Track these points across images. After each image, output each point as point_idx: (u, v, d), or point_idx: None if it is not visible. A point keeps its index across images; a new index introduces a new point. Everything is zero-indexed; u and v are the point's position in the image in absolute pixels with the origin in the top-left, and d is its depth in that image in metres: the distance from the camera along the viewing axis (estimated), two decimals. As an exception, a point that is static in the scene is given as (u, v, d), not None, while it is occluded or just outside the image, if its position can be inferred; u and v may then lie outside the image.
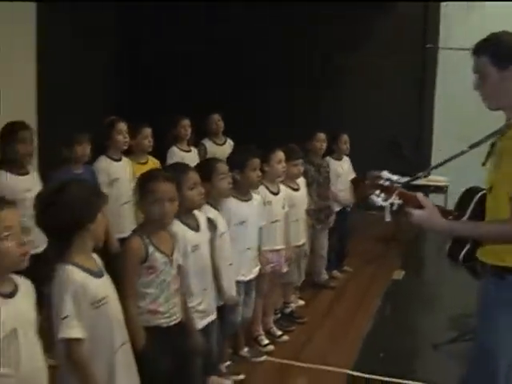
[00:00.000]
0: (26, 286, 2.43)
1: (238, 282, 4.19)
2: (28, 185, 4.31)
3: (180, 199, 3.30)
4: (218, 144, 6.76)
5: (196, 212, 3.62)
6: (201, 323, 3.57)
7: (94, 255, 2.80)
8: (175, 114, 6.37)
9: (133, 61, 9.68)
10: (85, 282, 2.60)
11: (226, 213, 4.07)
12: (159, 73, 9.68)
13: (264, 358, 4.67)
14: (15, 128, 4.37)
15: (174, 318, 3.24)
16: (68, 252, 2.64)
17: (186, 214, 3.51)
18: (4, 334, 2.24)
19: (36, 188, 4.27)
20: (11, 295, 2.33)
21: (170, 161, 5.97)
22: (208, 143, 6.74)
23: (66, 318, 2.53)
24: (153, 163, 5.47)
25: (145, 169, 5.16)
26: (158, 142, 5.60)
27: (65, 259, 2.62)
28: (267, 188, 4.70)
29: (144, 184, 3.22)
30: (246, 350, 4.65)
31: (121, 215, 4.93)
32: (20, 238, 2.30)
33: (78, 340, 2.56)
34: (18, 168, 4.37)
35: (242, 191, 4.30)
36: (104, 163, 5.09)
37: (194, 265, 3.50)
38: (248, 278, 4.36)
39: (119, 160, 5.18)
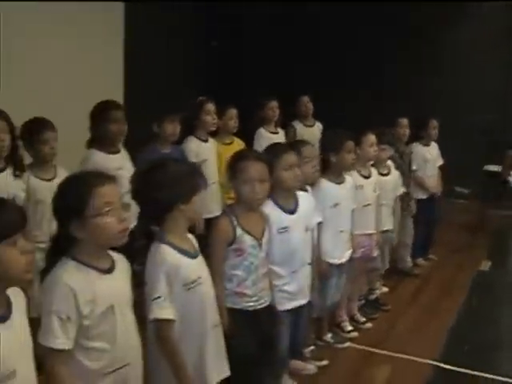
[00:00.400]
0: (122, 263, 2.45)
1: (330, 265, 4.20)
2: (119, 163, 4.28)
3: (275, 180, 3.27)
4: (307, 126, 6.76)
5: (300, 193, 3.61)
6: (288, 304, 3.55)
7: (190, 235, 2.79)
8: (263, 95, 6.33)
9: (222, 44, 9.69)
10: (178, 262, 2.59)
11: (319, 195, 4.06)
12: (247, 55, 9.64)
13: (347, 344, 4.61)
14: (107, 107, 4.37)
15: (262, 301, 3.21)
16: (162, 231, 2.64)
17: (281, 195, 3.49)
18: (101, 309, 2.26)
19: (127, 166, 4.35)
20: (109, 271, 2.35)
21: (257, 142, 5.97)
22: (298, 125, 6.74)
23: (157, 298, 2.53)
24: (238, 144, 5.47)
25: (230, 149, 5.20)
26: (244, 124, 5.59)
27: (159, 238, 2.62)
28: (358, 171, 4.66)
29: (235, 163, 3.19)
30: (329, 335, 4.61)
31: (207, 196, 4.92)
32: (120, 214, 2.29)
33: (168, 321, 2.56)
34: (109, 147, 4.36)
35: (336, 173, 4.28)
36: (194, 144, 5.09)
37: (280, 247, 3.45)
38: (340, 261, 4.34)
39: (207, 141, 5.19)
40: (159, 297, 2.53)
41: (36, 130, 3.93)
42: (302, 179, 3.72)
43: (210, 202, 4.90)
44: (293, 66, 9.27)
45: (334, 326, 4.74)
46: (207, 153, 5.10)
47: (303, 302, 3.64)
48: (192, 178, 2.70)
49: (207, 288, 2.73)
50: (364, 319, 4.97)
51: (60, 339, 2.18)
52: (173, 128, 4.84)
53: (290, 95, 6.42)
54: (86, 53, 6.93)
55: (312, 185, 4.06)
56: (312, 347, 4.35)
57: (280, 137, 6.21)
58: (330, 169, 4.27)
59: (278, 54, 9.30)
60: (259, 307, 3.20)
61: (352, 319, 4.90)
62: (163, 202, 2.61)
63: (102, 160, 4.24)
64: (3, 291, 2.00)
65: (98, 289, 2.27)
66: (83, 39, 6.90)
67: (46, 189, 3.86)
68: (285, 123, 6.51)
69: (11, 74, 5.83)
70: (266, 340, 3.22)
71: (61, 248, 2.30)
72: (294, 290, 3.56)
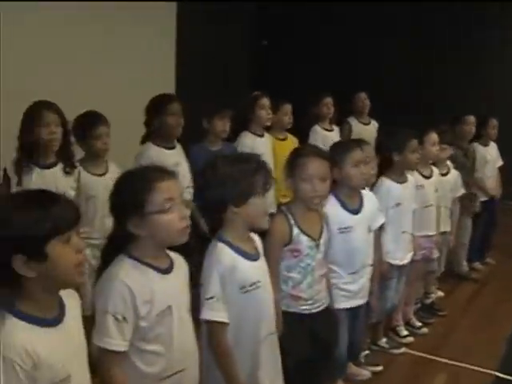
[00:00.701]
0: (179, 262, 2.34)
1: (391, 266, 4.10)
2: (176, 159, 4.17)
3: (342, 177, 3.18)
4: (363, 123, 6.60)
5: (364, 192, 3.50)
6: (347, 303, 3.45)
7: (255, 236, 2.67)
8: (318, 91, 6.21)
9: (272, 44, 9.57)
10: (234, 263, 2.47)
11: (382, 194, 3.96)
12: (297, 55, 9.48)
13: (403, 349, 4.46)
14: (164, 100, 4.28)
15: (318, 304, 3.09)
16: (221, 230, 2.53)
17: (345, 193, 3.38)
18: (159, 310, 2.17)
19: (183, 162, 4.28)
20: (167, 271, 2.25)
21: (312, 140, 5.88)
22: (353, 122, 6.58)
23: (210, 298, 2.42)
24: (292, 140, 5.37)
25: (284, 145, 5.17)
26: (295, 122, 5.46)
27: (218, 236, 2.52)
28: (419, 171, 4.50)
29: (294, 160, 3.05)
30: (384, 340, 4.46)
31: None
32: (182, 211, 2.18)
33: (220, 324, 2.45)
34: (166, 141, 4.26)
35: (398, 173, 4.15)
36: (249, 139, 4.98)
37: (342, 247, 3.35)
38: (402, 263, 4.21)
39: (262, 136, 5.09)
40: (212, 297, 2.42)
41: (89, 125, 3.85)
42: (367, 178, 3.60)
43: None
44: (348, 64, 9.05)
45: (389, 331, 4.60)
46: (263, 148, 4.94)
47: (362, 302, 3.53)
48: (247, 178, 2.48)
49: (266, 293, 2.59)
50: (420, 324, 4.80)
51: (115, 340, 2.09)
52: (223, 124, 4.69)
53: (343, 94, 6.28)
54: (138, 51, 6.94)
55: (370, 186, 3.93)
56: (367, 352, 4.21)
57: (335, 134, 6.10)
58: (393, 168, 4.13)
59: (329, 53, 9.12)
60: (315, 311, 3.08)
61: (407, 324, 4.75)
62: (213, 203, 2.50)
63: (158, 155, 4.14)
64: (55, 293, 1.86)
65: (156, 289, 2.17)
66: (136, 38, 6.91)
67: (98, 184, 3.84)
68: (340, 120, 6.36)
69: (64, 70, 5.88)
70: (323, 345, 3.10)
71: (118, 246, 2.21)
72: (353, 289, 3.46)
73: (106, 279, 2.15)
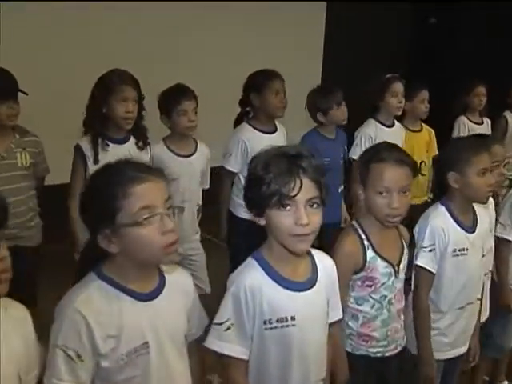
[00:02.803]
0: (179, 282, 1.87)
1: None
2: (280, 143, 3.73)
3: (463, 185, 2.56)
4: None
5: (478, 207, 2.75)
6: (449, 353, 2.74)
7: (325, 259, 2.08)
8: (469, 79, 5.39)
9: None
10: (269, 291, 1.89)
11: None
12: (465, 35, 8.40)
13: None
14: (266, 75, 3.77)
15: (393, 346, 2.45)
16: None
17: (460, 207, 2.67)
18: (129, 348, 1.69)
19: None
20: (151, 296, 1.76)
21: (456, 132, 5.20)
22: (510, 116, 5.60)
23: (219, 324, 1.89)
24: (427, 132, 4.66)
25: (417, 138, 4.59)
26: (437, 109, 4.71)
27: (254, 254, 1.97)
28: None
29: (367, 164, 2.37)
30: (506, 382, 3.68)
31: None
32: (165, 224, 1.67)
33: (234, 359, 1.90)
34: (266, 125, 3.82)
35: None
36: (371, 128, 4.36)
37: (453, 273, 2.64)
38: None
39: (391, 126, 4.42)
40: (221, 323, 1.88)
41: (173, 99, 3.45)
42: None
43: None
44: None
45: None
46: (390, 139, 4.26)
47: (463, 350, 2.80)
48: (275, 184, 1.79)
49: (304, 334, 1.94)
50: None
51: (64, 382, 1.62)
52: (340, 111, 4.06)
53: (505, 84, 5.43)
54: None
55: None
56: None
57: (484, 128, 5.27)
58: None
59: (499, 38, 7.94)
60: (388, 354, 2.44)
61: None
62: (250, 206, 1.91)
63: (254, 138, 3.72)
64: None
65: (127, 320, 1.69)
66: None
67: (181, 165, 3.47)
68: (492, 113, 5.46)
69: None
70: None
71: (89, 262, 1.74)
72: (459, 332, 2.74)
73: (61, 304, 1.68)
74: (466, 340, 2.79)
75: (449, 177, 2.60)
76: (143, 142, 3.35)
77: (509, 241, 3.22)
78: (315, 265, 1.99)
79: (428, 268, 2.59)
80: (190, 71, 5.22)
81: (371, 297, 2.37)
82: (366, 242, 2.35)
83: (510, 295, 3.28)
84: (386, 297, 2.38)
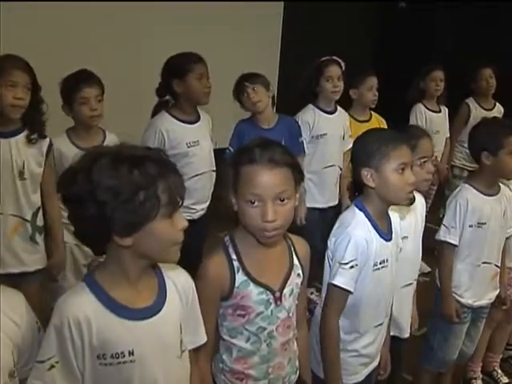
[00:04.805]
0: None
1: (462, 306, 3.02)
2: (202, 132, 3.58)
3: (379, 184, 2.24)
4: (484, 108, 5.15)
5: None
6: (364, 372, 2.39)
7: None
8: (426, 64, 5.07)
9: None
10: (101, 322, 1.58)
11: (460, 208, 2.93)
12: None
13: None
14: (190, 59, 3.44)
15: None
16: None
17: (379, 209, 2.32)
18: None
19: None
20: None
21: (413, 121, 4.91)
22: (473, 104, 5.21)
23: (42, 362, 1.55)
24: (377, 121, 4.35)
25: (366, 128, 4.10)
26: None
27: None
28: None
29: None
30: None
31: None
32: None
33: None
34: (188, 114, 3.51)
35: (489, 182, 2.98)
36: (310, 115, 4.04)
37: (372, 289, 2.27)
38: (479, 304, 3.06)
39: (332, 113, 4.10)
40: (43, 361, 1.55)
41: (74, 86, 3.12)
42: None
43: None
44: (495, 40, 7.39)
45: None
46: (330, 126, 4.04)
47: (375, 364, 2.45)
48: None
49: (146, 370, 1.60)
50: (506, 380, 3.59)
51: None
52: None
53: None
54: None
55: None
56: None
57: (441, 116, 4.98)
58: (482, 174, 2.97)
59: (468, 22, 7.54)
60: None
61: (489, 376, 3.59)
62: None
63: (173, 128, 3.44)
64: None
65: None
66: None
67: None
68: (455, 101, 5.13)
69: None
70: None
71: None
72: (371, 352, 2.37)
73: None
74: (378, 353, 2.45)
75: (363, 174, 2.24)
76: (39, 134, 2.94)
77: (453, 245, 2.92)
78: (163, 284, 1.65)
79: (346, 288, 2.19)
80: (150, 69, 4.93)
81: (245, 328, 1.95)
82: (235, 263, 1.92)
83: (452, 304, 2.98)
84: (264, 329, 1.95)
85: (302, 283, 2.04)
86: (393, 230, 2.33)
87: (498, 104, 5.24)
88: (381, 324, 2.35)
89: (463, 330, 3.09)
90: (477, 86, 5.17)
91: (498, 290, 3.12)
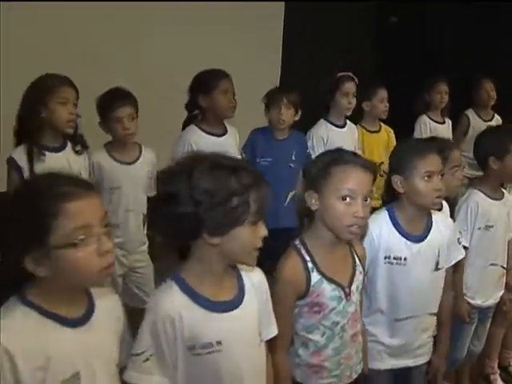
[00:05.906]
0: (108, 304, 1.71)
1: (473, 307, 3.21)
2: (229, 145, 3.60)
3: (408, 190, 2.48)
4: (483, 120, 5.37)
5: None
6: (390, 363, 2.57)
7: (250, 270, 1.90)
8: (430, 78, 5.25)
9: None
10: (190, 315, 1.71)
11: (468, 211, 3.11)
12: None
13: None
14: (215, 75, 3.60)
15: (347, 374, 2.24)
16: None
17: (406, 214, 2.53)
18: (59, 379, 1.52)
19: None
20: (81, 321, 1.60)
21: (418, 132, 5.07)
22: (472, 116, 5.44)
23: (138, 355, 1.70)
24: (386, 132, 4.60)
25: (376, 139, 4.53)
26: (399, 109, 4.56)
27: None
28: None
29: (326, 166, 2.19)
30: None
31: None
32: (104, 244, 1.54)
33: None
34: (215, 127, 3.65)
35: (495, 186, 3.19)
36: (323, 129, 4.21)
37: (385, 280, 2.48)
38: (486, 304, 3.26)
39: (342, 126, 4.29)
40: (139, 353, 1.70)
41: (107, 106, 3.26)
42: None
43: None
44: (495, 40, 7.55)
45: (480, 380, 3.69)
46: (341, 140, 4.10)
47: (409, 362, 2.62)
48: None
49: (233, 358, 1.76)
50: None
51: None
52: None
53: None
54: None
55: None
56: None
57: (446, 128, 5.17)
58: (489, 179, 3.17)
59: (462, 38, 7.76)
60: (342, 384, 2.25)
61: (505, 371, 3.78)
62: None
63: (201, 141, 3.53)
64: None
65: (55, 349, 1.52)
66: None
67: (124, 173, 3.34)
68: (455, 113, 5.34)
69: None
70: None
71: (10, 284, 1.56)
72: (397, 345, 2.56)
73: None
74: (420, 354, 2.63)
75: (393, 180, 2.46)
76: (82, 145, 3.15)
77: (465, 247, 3.04)
78: (241, 281, 1.83)
79: None
80: (149, 71, 5.08)
81: (321, 324, 2.14)
82: (309, 264, 2.11)
83: (465, 305, 3.16)
84: (337, 323, 2.15)
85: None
86: (430, 234, 2.53)
87: (496, 115, 5.46)
88: (404, 319, 2.51)
89: (472, 330, 3.29)
90: (478, 98, 5.41)
91: (502, 291, 3.31)
